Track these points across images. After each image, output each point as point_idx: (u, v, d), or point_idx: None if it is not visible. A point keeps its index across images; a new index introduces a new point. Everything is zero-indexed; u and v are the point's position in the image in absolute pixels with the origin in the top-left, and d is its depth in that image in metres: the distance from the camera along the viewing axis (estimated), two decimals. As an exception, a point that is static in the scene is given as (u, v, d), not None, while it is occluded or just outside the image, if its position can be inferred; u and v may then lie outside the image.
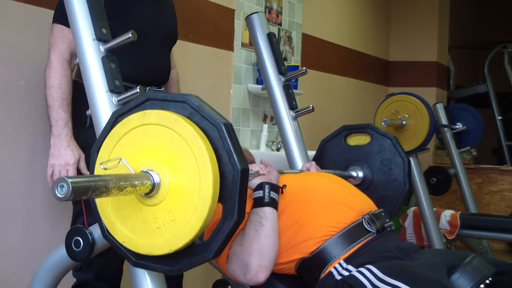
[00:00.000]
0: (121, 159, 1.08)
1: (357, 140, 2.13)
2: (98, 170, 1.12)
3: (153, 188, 1.05)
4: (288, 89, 2.17)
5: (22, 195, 1.99)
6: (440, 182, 3.69)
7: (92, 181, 0.95)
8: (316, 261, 1.45)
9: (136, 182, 1.02)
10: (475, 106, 3.97)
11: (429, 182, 3.55)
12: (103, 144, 1.14)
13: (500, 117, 5.75)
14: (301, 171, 1.87)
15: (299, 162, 2.08)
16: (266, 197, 1.45)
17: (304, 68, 2.20)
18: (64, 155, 1.75)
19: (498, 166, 5.13)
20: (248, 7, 3.13)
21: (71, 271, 1.79)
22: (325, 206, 1.54)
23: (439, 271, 1.33)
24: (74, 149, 1.76)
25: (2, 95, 1.91)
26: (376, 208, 1.59)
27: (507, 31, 6.80)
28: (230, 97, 3.05)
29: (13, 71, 1.94)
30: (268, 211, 1.44)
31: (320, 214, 1.51)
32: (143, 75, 1.87)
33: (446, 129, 3.75)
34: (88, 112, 1.42)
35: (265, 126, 3.20)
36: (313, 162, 1.90)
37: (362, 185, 2.07)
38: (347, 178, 2.08)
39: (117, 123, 1.13)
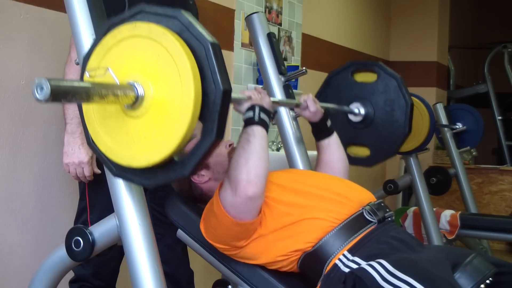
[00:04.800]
0: (108, 68, 1.09)
1: (364, 77, 2.09)
2: (85, 78, 1.13)
3: (137, 100, 1.07)
4: (288, 89, 2.17)
5: (22, 195, 1.99)
6: (440, 182, 3.69)
7: (73, 86, 0.96)
8: (319, 254, 1.44)
9: (119, 92, 1.04)
10: (475, 106, 3.97)
11: (429, 182, 3.55)
12: (93, 52, 1.15)
13: (500, 117, 5.75)
14: (298, 103, 1.83)
15: (299, 162, 2.08)
16: (256, 117, 1.46)
17: (304, 68, 2.20)
18: (78, 153, 1.75)
19: (498, 166, 5.14)
20: (248, 7, 3.13)
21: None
22: (324, 199, 1.53)
23: (446, 269, 1.33)
24: (88, 147, 1.76)
25: (2, 95, 1.91)
26: (375, 199, 1.59)
27: (507, 31, 6.80)
28: (230, 96, 3.05)
29: (13, 71, 1.94)
30: (256, 129, 1.44)
31: (320, 206, 1.51)
32: None
33: (446, 129, 3.75)
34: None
35: (265, 126, 3.20)
36: (310, 94, 1.86)
37: (364, 123, 2.05)
38: (348, 113, 2.06)
39: (109, 32, 1.14)
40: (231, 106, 1.42)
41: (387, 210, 1.55)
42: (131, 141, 1.10)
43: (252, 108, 1.48)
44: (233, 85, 3.05)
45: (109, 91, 1.02)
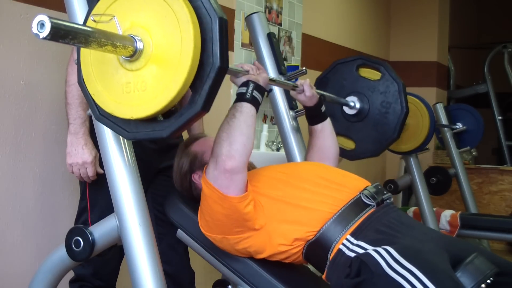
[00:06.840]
0: (114, 16, 1.09)
1: (368, 73, 2.12)
2: (90, 21, 1.14)
3: (134, 54, 1.08)
4: (288, 89, 2.17)
5: (22, 195, 1.99)
6: (440, 182, 3.70)
7: (74, 28, 0.96)
8: (322, 242, 1.45)
9: (118, 43, 1.05)
10: (475, 106, 3.97)
11: (429, 182, 3.55)
12: None
13: (500, 117, 5.75)
14: (295, 85, 1.83)
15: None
16: (248, 94, 1.46)
17: (304, 68, 2.20)
18: (81, 153, 1.75)
19: (498, 166, 5.13)
20: (248, 7, 3.13)
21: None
22: (321, 187, 1.54)
23: (447, 263, 1.34)
24: (91, 147, 1.76)
25: (2, 95, 1.91)
26: (370, 184, 1.59)
27: (507, 31, 6.80)
28: (230, 97, 3.05)
29: (13, 71, 1.94)
30: (245, 105, 1.45)
31: (318, 194, 1.52)
32: None
33: (446, 129, 3.75)
34: (88, 113, 1.42)
35: (265, 126, 3.20)
36: (307, 79, 1.87)
37: (356, 117, 2.09)
38: (344, 105, 2.09)
39: None
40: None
41: (385, 192, 1.55)
42: (120, 91, 1.11)
43: (246, 84, 1.48)
44: (233, 85, 3.05)
45: (108, 41, 1.03)
